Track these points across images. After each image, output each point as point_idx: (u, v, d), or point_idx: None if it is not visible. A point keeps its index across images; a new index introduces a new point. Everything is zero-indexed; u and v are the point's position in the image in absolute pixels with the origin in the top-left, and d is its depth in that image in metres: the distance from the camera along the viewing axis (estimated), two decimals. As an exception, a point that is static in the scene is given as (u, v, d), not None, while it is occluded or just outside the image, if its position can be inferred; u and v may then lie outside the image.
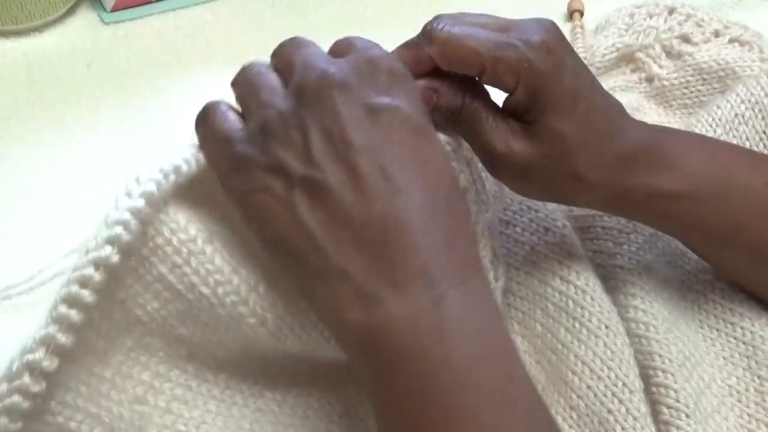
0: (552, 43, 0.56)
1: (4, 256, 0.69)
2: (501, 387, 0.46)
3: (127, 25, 0.89)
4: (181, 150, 0.52)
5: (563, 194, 0.60)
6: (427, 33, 0.55)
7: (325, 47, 0.55)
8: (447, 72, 0.56)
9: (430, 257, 0.46)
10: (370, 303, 0.46)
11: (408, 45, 0.56)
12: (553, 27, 0.57)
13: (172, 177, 0.50)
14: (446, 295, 0.46)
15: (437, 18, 0.55)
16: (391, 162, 0.47)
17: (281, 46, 0.53)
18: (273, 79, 0.51)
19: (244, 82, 0.52)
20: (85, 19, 0.89)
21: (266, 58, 0.54)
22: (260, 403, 0.56)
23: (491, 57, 0.54)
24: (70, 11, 0.89)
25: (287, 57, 0.51)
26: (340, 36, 0.61)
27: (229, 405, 0.55)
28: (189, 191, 0.52)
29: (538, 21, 0.57)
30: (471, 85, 0.56)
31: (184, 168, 0.51)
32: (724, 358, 0.64)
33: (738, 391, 0.62)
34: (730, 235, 0.61)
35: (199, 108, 0.54)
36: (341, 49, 0.52)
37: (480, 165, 0.60)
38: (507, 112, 0.57)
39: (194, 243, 0.51)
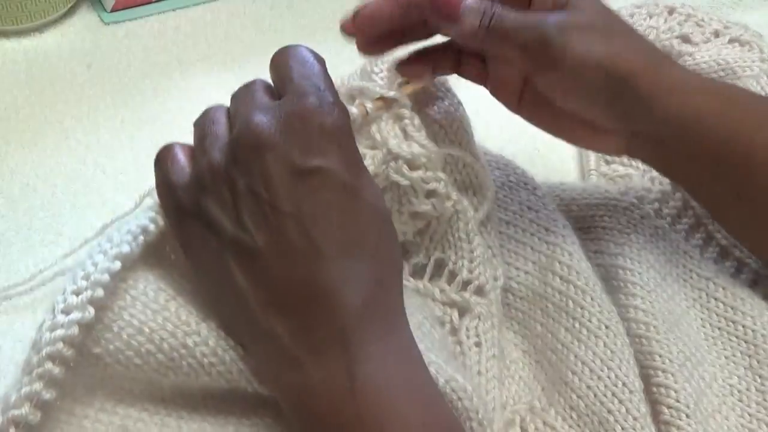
0: None
1: (4, 256, 0.69)
2: None
3: (127, 25, 0.89)
4: (146, 209, 0.54)
5: (619, 66, 0.58)
6: None
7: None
8: None
9: (348, 321, 0.47)
10: (294, 366, 0.48)
11: None
12: None
13: (141, 238, 0.52)
14: (362, 357, 0.47)
15: None
16: (316, 226, 0.48)
17: (241, 87, 0.53)
18: (221, 127, 0.51)
19: (199, 125, 0.53)
20: (85, 19, 0.89)
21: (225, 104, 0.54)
22: None
23: None
24: (70, 11, 0.89)
25: (236, 102, 0.52)
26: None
27: None
28: (155, 250, 0.53)
29: None
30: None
31: (152, 228, 0.53)
32: (725, 358, 0.64)
33: (739, 391, 0.62)
34: (744, 174, 0.60)
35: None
36: (281, 77, 0.52)
37: (477, 165, 0.60)
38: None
39: (156, 302, 0.52)
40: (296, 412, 0.49)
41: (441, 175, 0.61)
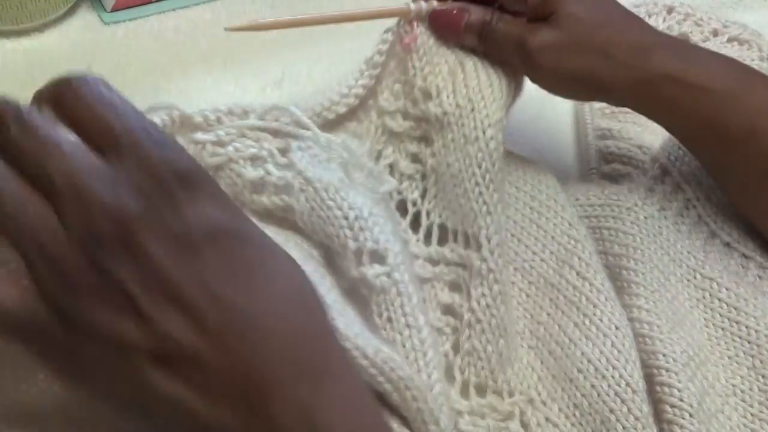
0: None
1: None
2: None
3: (127, 25, 0.89)
4: None
5: (597, 80, 0.64)
6: None
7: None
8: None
9: (301, 387, 0.42)
10: None
11: None
12: None
13: None
14: (323, 417, 0.42)
15: None
16: (233, 292, 0.41)
17: (10, 130, 0.40)
18: (38, 209, 0.39)
19: (6, 211, 0.39)
20: (85, 19, 0.89)
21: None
22: None
23: None
24: (70, 11, 0.89)
25: (30, 162, 0.39)
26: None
27: None
28: None
29: None
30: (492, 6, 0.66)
31: None
32: (728, 358, 0.64)
33: (742, 391, 0.63)
34: (745, 138, 0.63)
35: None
36: (92, 126, 0.40)
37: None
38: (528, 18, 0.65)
39: None
40: None
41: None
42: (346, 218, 0.58)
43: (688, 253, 0.68)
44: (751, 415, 0.62)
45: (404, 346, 0.56)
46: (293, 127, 0.63)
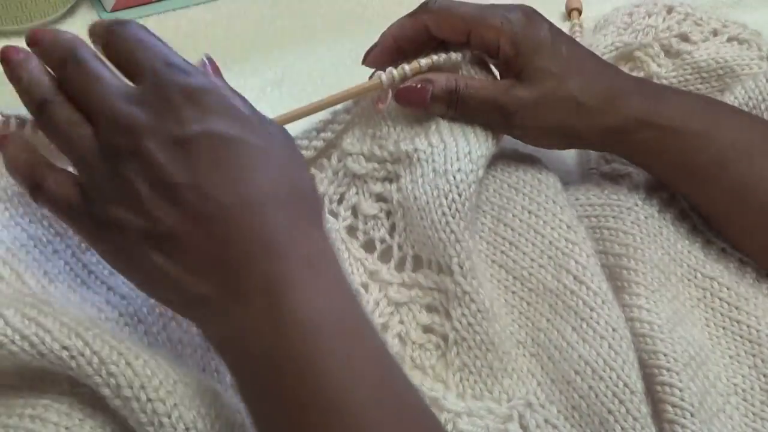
0: (528, 11, 0.67)
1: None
2: (352, 364, 0.48)
3: (126, 25, 0.89)
4: None
5: (571, 130, 0.66)
6: (424, 5, 0.67)
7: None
8: (437, 69, 0.67)
9: (270, 266, 0.49)
10: (225, 321, 0.49)
11: (408, 15, 0.67)
12: (530, 8, 0.67)
13: None
14: (288, 298, 0.48)
15: None
16: (216, 186, 0.49)
17: (68, 67, 0.53)
18: (83, 128, 0.51)
19: (52, 131, 0.53)
20: (85, 19, 0.89)
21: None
22: None
23: (475, 21, 0.66)
24: (70, 11, 0.89)
25: (84, 93, 0.51)
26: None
27: None
28: None
29: (518, 4, 0.68)
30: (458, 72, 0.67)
31: None
32: (729, 357, 0.64)
33: (743, 390, 0.63)
34: (717, 173, 0.65)
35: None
36: (126, 62, 0.52)
37: None
38: (500, 72, 0.68)
39: None
40: (236, 365, 0.50)
41: None
42: None
43: (689, 252, 0.68)
44: (753, 414, 0.62)
45: None
46: None
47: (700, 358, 0.62)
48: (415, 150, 0.66)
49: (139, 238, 0.49)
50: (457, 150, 0.65)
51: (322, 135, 0.70)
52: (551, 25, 0.67)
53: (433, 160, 0.65)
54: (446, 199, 0.64)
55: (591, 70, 0.67)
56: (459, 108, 0.66)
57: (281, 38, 0.89)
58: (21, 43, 0.50)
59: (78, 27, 0.88)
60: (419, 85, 0.66)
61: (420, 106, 0.66)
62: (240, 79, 0.84)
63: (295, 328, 0.48)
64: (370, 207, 0.68)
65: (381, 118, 0.69)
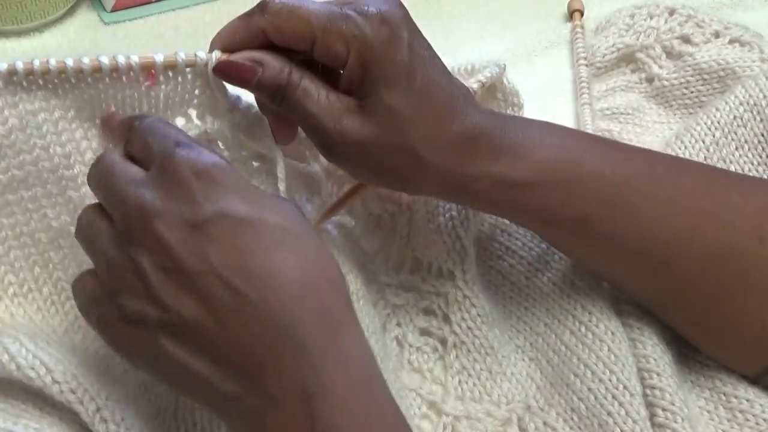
0: (389, 15, 0.54)
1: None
2: None
3: (127, 25, 0.89)
4: None
5: (404, 179, 0.57)
6: (261, 3, 0.54)
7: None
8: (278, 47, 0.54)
9: (302, 361, 0.45)
10: (257, 420, 0.46)
11: (241, 16, 0.55)
12: (396, 10, 0.55)
13: None
14: (321, 395, 0.45)
15: None
16: (234, 273, 0.46)
17: (91, 168, 0.51)
18: (101, 224, 0.49)
19: (80, 235, 0.51)
20: (85, 19, 0.89)
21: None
22: None
23: (321, 27, 0.53)
24: (70, 11, 0.89)
25: (103, 189, 0.50)
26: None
27: None
28: None
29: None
30: (300, 63, 0.55)
31: None
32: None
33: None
34: (579, 227, 0.59)
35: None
36: (140, 150, 0.50)
37: None
38: (342, 89, 0.55)
39: None
40: None
41: None
42: None
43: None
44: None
45: None
46: None
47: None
48: None
49: (158, 329, 0.46)
50: None
51: None
52: (411, 33, 0.55)
53: None
54: (455, 204, 0.64)
55: (441, 111, 0.56)
56: (282, 108, 0.55)
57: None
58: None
59: (78, 27, 0.88)
60: (246, 64, 0.54)
61: (242, 86, 0.56)
62: (240, 80, 0.85)
63: (332, 429, 0.45)
64: (376, 207, 0.67)
65: None
